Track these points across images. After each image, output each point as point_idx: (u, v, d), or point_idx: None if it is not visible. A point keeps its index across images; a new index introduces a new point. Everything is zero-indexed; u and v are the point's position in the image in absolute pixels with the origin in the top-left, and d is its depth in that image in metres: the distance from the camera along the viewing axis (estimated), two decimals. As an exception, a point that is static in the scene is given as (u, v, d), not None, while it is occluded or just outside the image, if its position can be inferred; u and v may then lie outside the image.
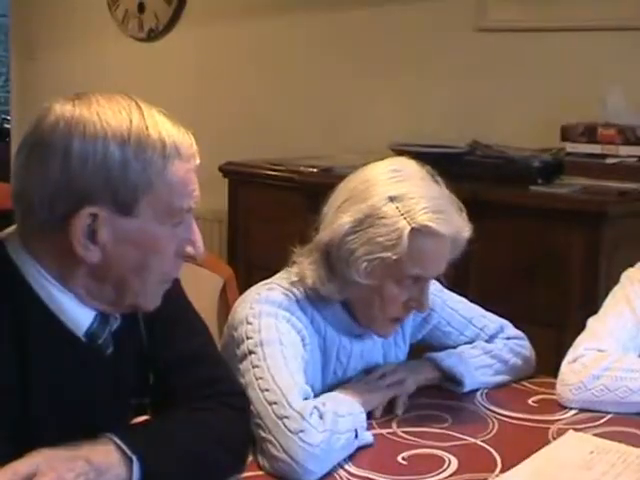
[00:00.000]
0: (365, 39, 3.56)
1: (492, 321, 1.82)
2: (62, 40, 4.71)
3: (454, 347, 1.78)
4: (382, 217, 1.50)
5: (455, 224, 1.53)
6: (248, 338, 1.51)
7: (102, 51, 4.52)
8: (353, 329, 1.65)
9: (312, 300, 1.60)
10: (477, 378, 1.73)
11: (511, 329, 1.83)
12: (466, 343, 1.79)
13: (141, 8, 4.32)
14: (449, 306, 1.78)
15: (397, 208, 1.50)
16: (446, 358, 1.74)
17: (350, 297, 1.59)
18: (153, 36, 4.32)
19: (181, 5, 4.19)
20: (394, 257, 1.50)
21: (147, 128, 1.19)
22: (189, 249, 1.26)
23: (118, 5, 4.43)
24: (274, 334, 1.50)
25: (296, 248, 1.61)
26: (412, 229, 1.49)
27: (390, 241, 1.50)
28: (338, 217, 1.53)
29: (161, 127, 1.20)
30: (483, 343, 1.78)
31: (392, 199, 1.51)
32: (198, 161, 1.25)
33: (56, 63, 4.72)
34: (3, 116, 6.62)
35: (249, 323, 1.52)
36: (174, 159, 1.20)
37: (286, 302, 1.57)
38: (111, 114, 1.18)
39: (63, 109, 1.18)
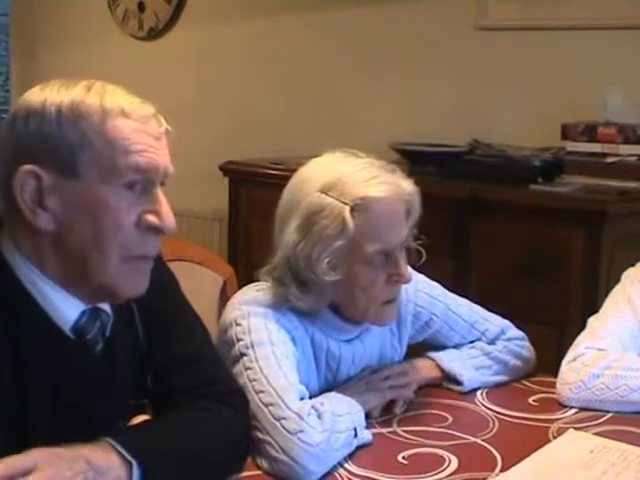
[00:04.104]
0: (365, 38, 3.56)
1: (494, 324, 1.80)
2: (62, 39, 4.71)
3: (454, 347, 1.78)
4: (320, 211, 1.50)
5: (391, 184, 1.52)
6: (238, 340, 1.50)
7: (102, 50, 4.51)
8: (345, 332, 1.63)
9: (298, 309, 1.57)
10: (477, 378, 1.73)
11: (513, 330, 1.81)
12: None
13: (141, 7, 4.33)
14: (452, 311, 1.77)
15: (329, 195, 1.50)
16: (446, 358, 1.74)
17: (334, 300, 1.57)
18: (153, 35, 4.32)
19: (181, 4, 4.19)
20: (347, 242, 1.49)
21: (89, 91, 1.20)
22: (151, 218, 1.21)
23: (118, 4, 4.43)
24: (264, 334, 1.50)
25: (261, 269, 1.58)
26: (351, 208, 1.49)
27: (336, 228, 1.49)
28: (284, 232, 1.53)
29: (108, 94, 1.21)
30: (483, 344, 1.78)
31: (322, 190, 1.51)
32: (162, 128, 1.23)
33: (56, 62, 4.72)
34: (3, 115, 6.63)
35: (238, 324, 1.52)
36: (116, 116, 1.19)
37: (275, 303, 1.55)
38: (64, 89, 1.20)
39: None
